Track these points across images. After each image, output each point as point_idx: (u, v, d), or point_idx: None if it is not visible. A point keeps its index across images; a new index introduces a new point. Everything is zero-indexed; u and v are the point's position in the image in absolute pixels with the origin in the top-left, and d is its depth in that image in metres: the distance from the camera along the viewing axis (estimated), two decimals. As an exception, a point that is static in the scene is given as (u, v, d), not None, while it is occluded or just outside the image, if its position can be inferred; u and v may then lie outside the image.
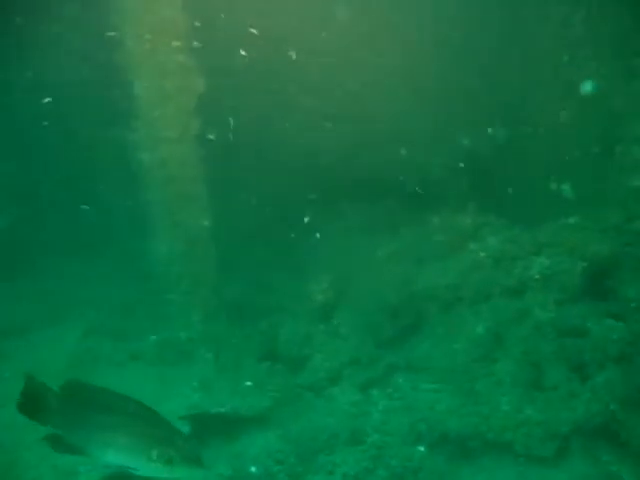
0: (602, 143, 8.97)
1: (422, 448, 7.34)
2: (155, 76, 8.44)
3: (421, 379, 8.47)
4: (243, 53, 9.68)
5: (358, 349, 8.98)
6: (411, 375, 8.59)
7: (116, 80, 8.48)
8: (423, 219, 10.15)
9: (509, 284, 8.40)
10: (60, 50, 10.01)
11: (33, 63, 10.30)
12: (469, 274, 8.75)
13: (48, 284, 11.06)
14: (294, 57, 10.21)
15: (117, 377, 8.95)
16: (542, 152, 9.78)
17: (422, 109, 10.57)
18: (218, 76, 8.94)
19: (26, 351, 9.71)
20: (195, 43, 8.42)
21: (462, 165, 10.67)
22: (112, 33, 8.25)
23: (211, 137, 8.99)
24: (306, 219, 10.67)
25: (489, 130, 10.42)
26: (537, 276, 8.09)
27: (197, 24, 8.45)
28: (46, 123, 10.35)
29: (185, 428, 7.31)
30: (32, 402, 4.85)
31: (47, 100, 9.93)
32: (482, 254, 8.68)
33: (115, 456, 4.80)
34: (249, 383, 8.09)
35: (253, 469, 7.17)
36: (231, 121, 9.84)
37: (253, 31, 9.43)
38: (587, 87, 9.20)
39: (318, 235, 10.62)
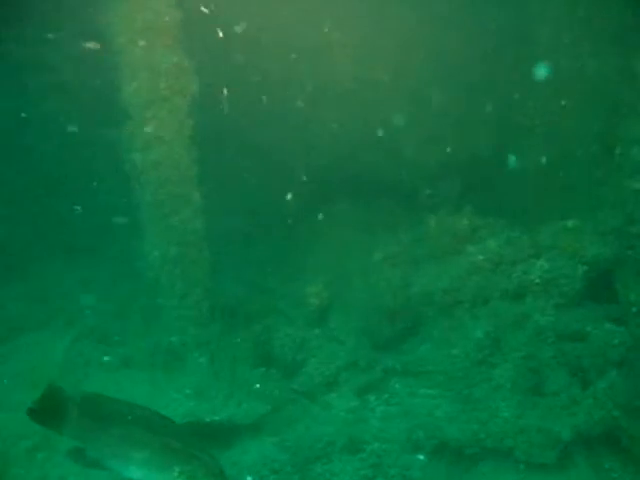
0: (601, 144, 8.83)
1: (421, 457, 7.21)
2: (148, 76, 8.23)
3: (418, 384, 8.33)
4: (238, 53, 9.53)
5: (354, 353, 8.85)
6: (408, 380, 8.45)
7: (108, 80, 8.30)
8: (420, 220, 10.02)
9: (508, 288, 8.26)
10: (50, 50, 9.84)
11: (23, 63, 10.12)
12: (467, 277, 8.61)
13: (37, 287, 10.87)
14: (290, 56, 10.05)
15: (108, 382, 8.77)
16: (539, 153, 9.62)
17: (419, 108, 10.45)
18: (213, 76, 8.77)
19: (15, 355, 9.50)
20: (189, 43, 8.24)
21: (459, 166, 10.54)
22: (104, 32, 8.06)
23: (205, 137, 8.81)
24: (301, 221, 10.53)
25: (486, 130, 10.28)
26: (537, 280, 7.96)
27: (191, 23, 8.28)
28: (37, 124, 10.18)
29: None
30: (50, 410, 4.72)
31: (38, 101, 9.81)
32: (480, 257, 8.53)
33: (136, 471, 4.67)
34: (257, 385, 7.94)
35: (249, 479, 7.01)
36: (226, 121, 9.69)
37: (249, 30, 9.27)
38: (541, 71, 9.09)
39: (313, 237, 10.52)
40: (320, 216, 10.64)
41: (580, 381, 7.49)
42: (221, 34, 9.53)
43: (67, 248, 10.93)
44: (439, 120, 10.61)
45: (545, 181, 9.45)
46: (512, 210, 9.48)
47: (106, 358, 9.18)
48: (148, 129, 8.47)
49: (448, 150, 10.65)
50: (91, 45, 8.68)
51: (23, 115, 10.32)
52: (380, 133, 10.65)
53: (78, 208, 9.95)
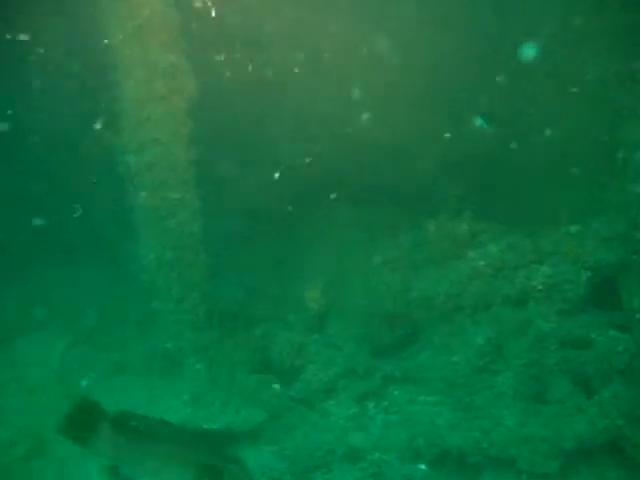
0: (603, 147, 8.74)
1: (423, 466, 7.09)
2: (145, 76, 8.09)
3: (418, 391, 8.22)
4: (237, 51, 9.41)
5: (353, 360, 8.72)
6: (408, 387, 8.34)
7: (104, 80, 8.17)
8: (419, 224, 9.91)
9: (510, 293, 8.16)
10: (46, 50, 9.71)
11: (17, 64, 9.99)
12: (468, 282, 8.50)
13: (31, 291, 10.71)
14: (290, 55, 9.95)
15: (104, 388, 8.64)
16: (541, 157, 9.53)
17: (416, 110, 10.35)
18: (210, 76, 8.64)
19: (10, 359, 9.36)
20: (187, 42, 8.11)
21: (458, 169, 10.44)
22: (100, 31, 7.92)
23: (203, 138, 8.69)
24: (300, 224, 10.42)
25: (485, 133, 10.19)
26: (540, 286, 7.86)
27: (189, 22, 8.16)
28: (33, 125, 10.06)
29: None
30: (82, 425, 4.60)
31: (31, 102, 9.69)
32: (482, 262, 8.42)
33: None
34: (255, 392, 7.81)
35: (247, 488, 6.87)
36: (223, 123, 9.56)
37: (248, 29, 9.16)
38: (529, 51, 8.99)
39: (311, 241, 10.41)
40: (319, 219, 10.52)
41: (584, 389, 7.40)
42: (220, 33, 9.37)
43: (62, 251, 10.76)
44: (438, 122, 10.49)
45: (546, 185, 9.33)
46: (512, 215, 9.37)
47: (100, 363, 9.02)
48: (144, 130, 8.30)
49: (447, 153, 10.51)
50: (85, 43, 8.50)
51: (19, 115, 10.16)
52: (379, 134, 10.51)
53: (76, 210, 9.80)
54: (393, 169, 10.61)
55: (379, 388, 8.41)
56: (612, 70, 9.09)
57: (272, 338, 9.01)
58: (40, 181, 10.60)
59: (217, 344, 8.66)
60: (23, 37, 9.64)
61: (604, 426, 7.01)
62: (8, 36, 9.68)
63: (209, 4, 9.14)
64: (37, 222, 10.22)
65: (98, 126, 8.44)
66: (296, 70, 10.40)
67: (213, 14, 9.29)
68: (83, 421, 4.63)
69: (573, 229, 8.15)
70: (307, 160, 10.70)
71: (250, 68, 10.26)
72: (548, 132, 9.36)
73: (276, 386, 8.37)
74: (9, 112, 10.11)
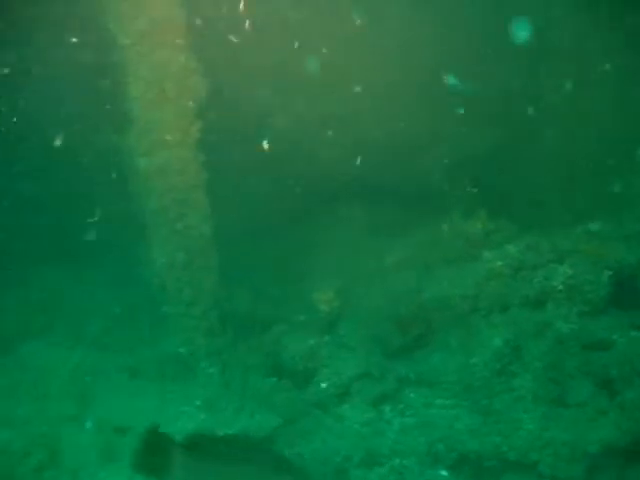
0: (625, 144, 8.60)
1: (444, 472, 6.96)
2: (154, 77, 7.98)
3: (434, 394, 8.08)
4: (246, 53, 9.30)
5: (366, 362, 8.57)
6: (423, 390, 8.20)
7: (112, 81, 8.06)
8: (429, 223, 9.80)
9: (529, 294, 8.02)
10: (53, 50, 9.59)
11: (25, 64, 9.88)
12: (485, 283, 8.37)
13: (42, 294, 10.58)
14: (297, 57, 9.83)
15: (115, 394, 8.54)
16: (556, 154, 9.40)
17: (427, 109, 10.22)
18: (220, 76, 8.51)
19: (16, 365, 9.23)
20: (196, 42, 8.00)
21: (470, 167, 10.32)
22: (108, 31, 7.80)
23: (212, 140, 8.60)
24: (309, 224, 10.29)
25: (499, 130, 10.06)
26: (560, 286, 7.72)
27: (198, 22, 8.05)
28: (39, 127, 9.95)
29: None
30: (155, 458, 4.49)
31: (38, 103, 9.58)
32: (499, 262, 8.28)
33: None
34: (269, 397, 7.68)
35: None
36: (232, 123, 9.45)
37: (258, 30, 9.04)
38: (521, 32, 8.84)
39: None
40: (329, 220, 10.40)
41: (606, 391, 7.23)
42: (229, 34, 9.24)
43: (72, 254, 10.65)
44: (449, 119, 10.36)
45: (563, 183, 9.20)
46: (527, 213, 9.25)
47: (112, 368, 8.90)
48: (154, 132, 8.19)
49: (458, 150, 10.39)
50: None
51: (25, 116, 10.05)
52: (388, 133, 10.39)
53: (94, 214, 9.72)
54: (403, 168, 10.50)
55: (394, 391, 8.25)
56: (628, 66, 8.95)
57: (284, 341, 8.87)
58: (48, 183, 10.49)
59: (230, 348, 8.54)
60: (27, 37, 9.51)
61: (628, 428, 6.85)
62: (12, 37, 9.59)
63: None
64: (46, 225, 10.13)
65: (107, 128, 8.28)
66: (303, 70, 10.27)
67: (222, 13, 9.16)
68: (154, 452, 4.50)
69: (593, 227, 8.01)
70: (317, 160, 10.57)
71: (257, 69, 10.14)
72: (564, 128, 9.21)
73: (290, 390, 8.25)
74: (15, 113, 10.00)
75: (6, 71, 9.80)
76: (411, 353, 8.67)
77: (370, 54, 10.22)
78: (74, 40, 9.22)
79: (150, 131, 8.24)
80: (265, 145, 9.48)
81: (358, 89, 10.25)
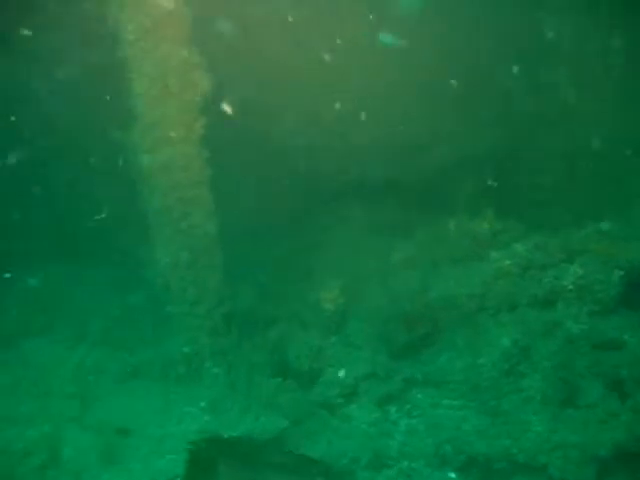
0: (632, 141, 8.50)
1: (453, 474, 6.85)
2: (157, 72, 7.87)
3: (441, 395, 7.98)
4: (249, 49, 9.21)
5: (373, 362, 8.48)
6: (430, 390, 8.10)
7: (114, 77, 7.95)
8: (435, 222, 9.69)
9: (537, 294, 7.92)
10: (54, 45, 9.49)
11: (24, 57, 9.79)
12: (493, 282, 8.26)
13: (46, 293, 10.47)
14: (300, 54, 9.74)
15: (117, 394, 8.46)
16: (565, 152, 9.29)
17: (432, 106, 10.13)
18: (224, 72, 8.41)
19: (17, 363, 9.14)
20: (200, 37, 7.90)
21: (476, 166, 10.21)
22: (110, 26, 7.70)
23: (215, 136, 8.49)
24: (315, 223, 10.19)
25: (505, 127, 9.95)
26: (570, 286, 7.61)
27: (202, 16, 7.94)
28: (40, 124, 9.86)
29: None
30: (201, 473, 4.43)
31: (40, 100, 9.49)
32: (507, 261, 8.17)
33: None
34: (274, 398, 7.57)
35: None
36: (236, 120, 9.35)
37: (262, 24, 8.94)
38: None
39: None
40: (334, 218, 10.32)
41: (617, 393, 7.11)
42: (233, 28, 9.14)
43: (73, 253, 10.55)
44: (453, 117, 10.26)
45: (572, 181, 9.10)
46: (535, 212, 9.15)
47: (115, 368, 8.80)
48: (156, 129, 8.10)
49: (464, 149, 10.28)
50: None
51: (27, 113, 9.96)
52: (393, 131, 10.30)
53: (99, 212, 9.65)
54: (408, 166, 10.37)
55: (400, 391, 8.16)
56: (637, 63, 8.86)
57: (289, 341, 8.79)
58: (50, 181, 10.41)
59: (235, 348, 8.45)
60: (29, 33, 9.42)
61: (640, 432, 6.73)
62: (14, 32, 9.49)
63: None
64: (49, 223, 10.05)
65: (109, 124, 8.18)
66: (304, 69, 10.18)
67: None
68: (204, 463, 4.44)
69: (604, 227, 7.90)
70: (321, 157, 10.48)
71: (261, 64, 10.04)
72: (572, 125, 9.11)
73: (295, 391, 8.15)
74: (16, 109, 9.92)
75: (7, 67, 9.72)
76: (418, 353, 8.56)
77: (371, 53, 10.13)
78: (77, 36, 9.11)
79: (154, 128, 8.11)
80: (226, 108, 9.28)
81: (360, 88, 10.14)
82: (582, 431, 6.93)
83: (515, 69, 9.83)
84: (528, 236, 8.41)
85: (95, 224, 9.83)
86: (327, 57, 10.01)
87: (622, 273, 7.64)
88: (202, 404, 7.83)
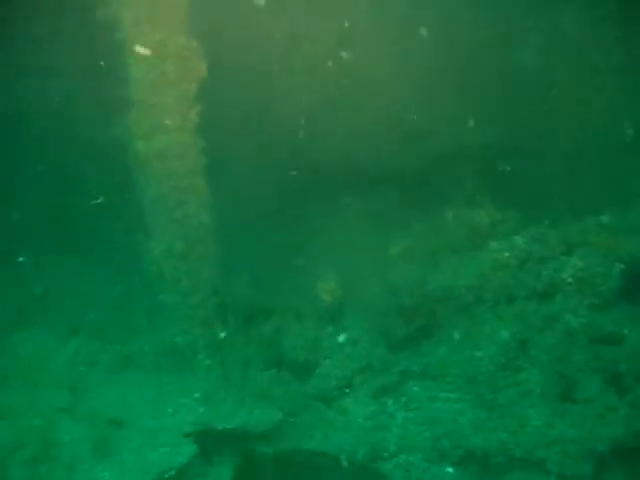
0: (633, 133, 8.42)
1: (450, 469, 6.79)
2: (153, 59, 7.75)
3: (438, 388, 7.92)
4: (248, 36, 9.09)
5: (369, 354, 8.41)
6: (427, 383, 8.04)
7: (109, 64, 7.83)
8: (432, 213, 9.60)
9: (536, 286, 7.84)
10: (51, 33, 9.36)
11: (20, 46, 9.66)
12: (491, 274, 8.18)
13: (36, 282, 10.35)
14: (298, 42, 9.63)
15: (110, 385, 8.35)
16: (565, 142, 9.21)
17: (430, 95, 10.02)
18: (220, 59, 8.29)
19: (8, 354, 9.02)
20: (196, 24, 7.78)
21: (474, 155, 10.12)
22: (106, 12, 7.56)
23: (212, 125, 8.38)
24: (311, 213, 10.10)
25: (505, 116, 9.85)
26: (570, 279, 7.53)
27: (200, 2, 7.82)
28: (34, 110, 9.73)
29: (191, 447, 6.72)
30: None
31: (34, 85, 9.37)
32: (506, 253, 8.09)
33: None
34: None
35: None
36: (232, 109, 9.24)
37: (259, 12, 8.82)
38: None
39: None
40: (330, 209, 10.22)
41: (616, 388, 7.05)
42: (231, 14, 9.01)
43: (66, 242, 10.43)
44: (453, 104, 10.15)
45: (572, 172, 9.01)
46: (535, 204, 9.06)
47: (107, 358, 8.70)
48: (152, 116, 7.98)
49: (463, 138, 10.18)
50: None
51: (21, 99, 9.84)
52: (390, 120, 10.19)
53: (81, 203, 9.52)
54: (406, 155, 10.29)
55: (397, 384, 8.10)
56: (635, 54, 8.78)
57: (285, 332, 8.70)
58: (43, 169, 10.28)
59: (229, 338, 8.35)
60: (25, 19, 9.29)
61: (639, 427, 6.66)
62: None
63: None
64: (42, 213, 9.94)
65: (105, 112, 8.06)
66: (301, 57, 10.08)
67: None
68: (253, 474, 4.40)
69: (604, 219, 7.82)
70: (318, 148, 10.38)
71: (259, 53, 9.93)
72: (574, 116, 9.02)
73: (291, 382, 8.07)
74: (11, 96, 9.79)
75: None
76: (415, 345, 8.50)
77: (371, 40, 10.02)
78: (73, 25, 8.98)
79: (150, 115, 8.00)
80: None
81: (358, 77, 10.02)
82: (580, 426, 6.87)
83: (516, 57, 9.71)
84: (527, 228, 8.31)
85: (89, 212, 9.70)
86: (325, 44, 9.84)
87: (623, 266, 7.57)
88: (196, 395, 7.71)
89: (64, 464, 6.86)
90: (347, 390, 8.09)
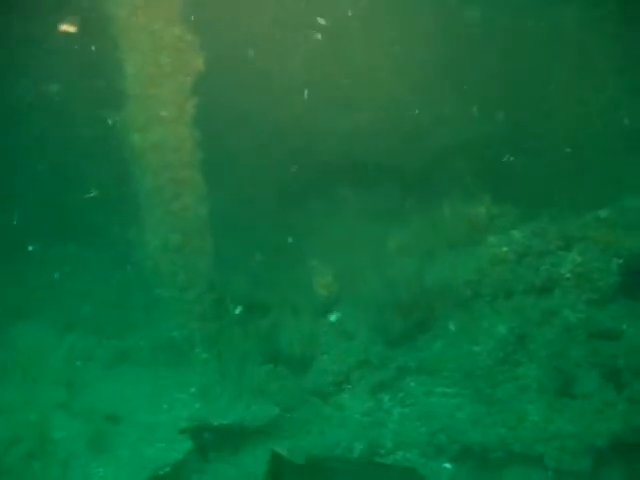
0: (632, 127, 8.38)
1: (448, 465, 6.77)
2: (149, 51, 7.68)
3: (435, 383, 7.89)
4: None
5: (366, 350, 8.38)
6: (424, 378, 8.01)
7: (105, 55, 7.76)
8: (430, 207, 9.57)
9: (535, 281, 7.80)
10: (46, 24, 9.28)
11: (17, 40, 9.58)
12: (489, 269, 8.14)
13: (31, 275, 10.29)
14: (297, 35, 9.57)
15: (106, 379, 8.31)
16: (564, 136, 9.17)
17: (427, 90, 9.98)
18: (217, 51, 8.23)
19: (3, 348, 8.96)
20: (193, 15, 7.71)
21: (472, 149, 10.08)
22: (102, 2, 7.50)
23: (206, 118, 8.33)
24: (309, 207, 10.05)
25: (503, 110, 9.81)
26: (568, 274, 7.50)
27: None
28: (31, 102, 9.67)
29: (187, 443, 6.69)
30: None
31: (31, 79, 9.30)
32: (504, 248, 8.05)
33: None
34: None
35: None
36: (229, 101, 9.18)
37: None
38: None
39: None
40: (328, 203, 10.16)
41: (614, 383, 7.04)
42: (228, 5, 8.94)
43: (63, 234, 10.37)
44: (452, 100, 10.11)
45: (571, 167, 8.98)
46: (533, 198, 9.02)
47: (103, 353, 8.65)
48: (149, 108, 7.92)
49: (461, 131, 10.15)
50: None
51: (19, 94, 9.78)
52: (387, 115, 10.15)
53: (78, 196, 9.46)
54: (404, 150, 10.25)
55: (394, 379, 8.06)
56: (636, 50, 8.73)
57: (281, 327, 8.64)
58: (40, 161, 10.21)
59: (226, 333, 8.31)
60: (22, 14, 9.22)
61: (637, 422, 6.68)
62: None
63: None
64: (38, 206, 9.87)
65: (100, 104, 8.01)
66: (304, 48, 10.02)
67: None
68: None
69: (603, 214, 7.77)
70: (315, 142, 10.33)
71: (257, 47, 9.88)
72: (573, 111, 8.98)
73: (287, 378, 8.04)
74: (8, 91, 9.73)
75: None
76: (412, 340, 8.45)
77: (367, 35, 9.97)
78: (70, 17, 8.91)
79: (146, 107, 7.94)
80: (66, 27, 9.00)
81: (357, 71, 9.98)
82: (578, 421, 6.89)
83: (515, 53, 9.66)
84: (525, 222, 8.27)
85: (85, 206, 9.64)
86: (324, 38, 9.78)
87: (621, 261, 7.52)
88: (192, 390, 7.68)
89: (60, 459, 6.84)
90: (344, 385, 8.02)
